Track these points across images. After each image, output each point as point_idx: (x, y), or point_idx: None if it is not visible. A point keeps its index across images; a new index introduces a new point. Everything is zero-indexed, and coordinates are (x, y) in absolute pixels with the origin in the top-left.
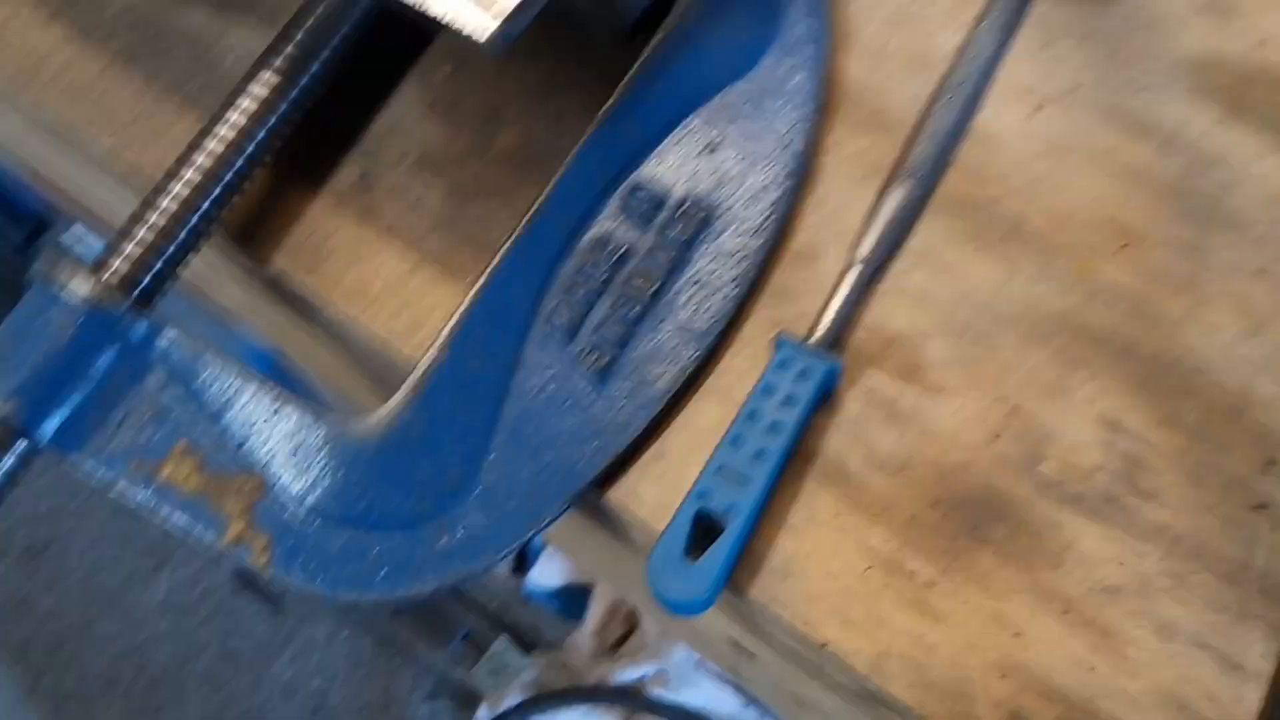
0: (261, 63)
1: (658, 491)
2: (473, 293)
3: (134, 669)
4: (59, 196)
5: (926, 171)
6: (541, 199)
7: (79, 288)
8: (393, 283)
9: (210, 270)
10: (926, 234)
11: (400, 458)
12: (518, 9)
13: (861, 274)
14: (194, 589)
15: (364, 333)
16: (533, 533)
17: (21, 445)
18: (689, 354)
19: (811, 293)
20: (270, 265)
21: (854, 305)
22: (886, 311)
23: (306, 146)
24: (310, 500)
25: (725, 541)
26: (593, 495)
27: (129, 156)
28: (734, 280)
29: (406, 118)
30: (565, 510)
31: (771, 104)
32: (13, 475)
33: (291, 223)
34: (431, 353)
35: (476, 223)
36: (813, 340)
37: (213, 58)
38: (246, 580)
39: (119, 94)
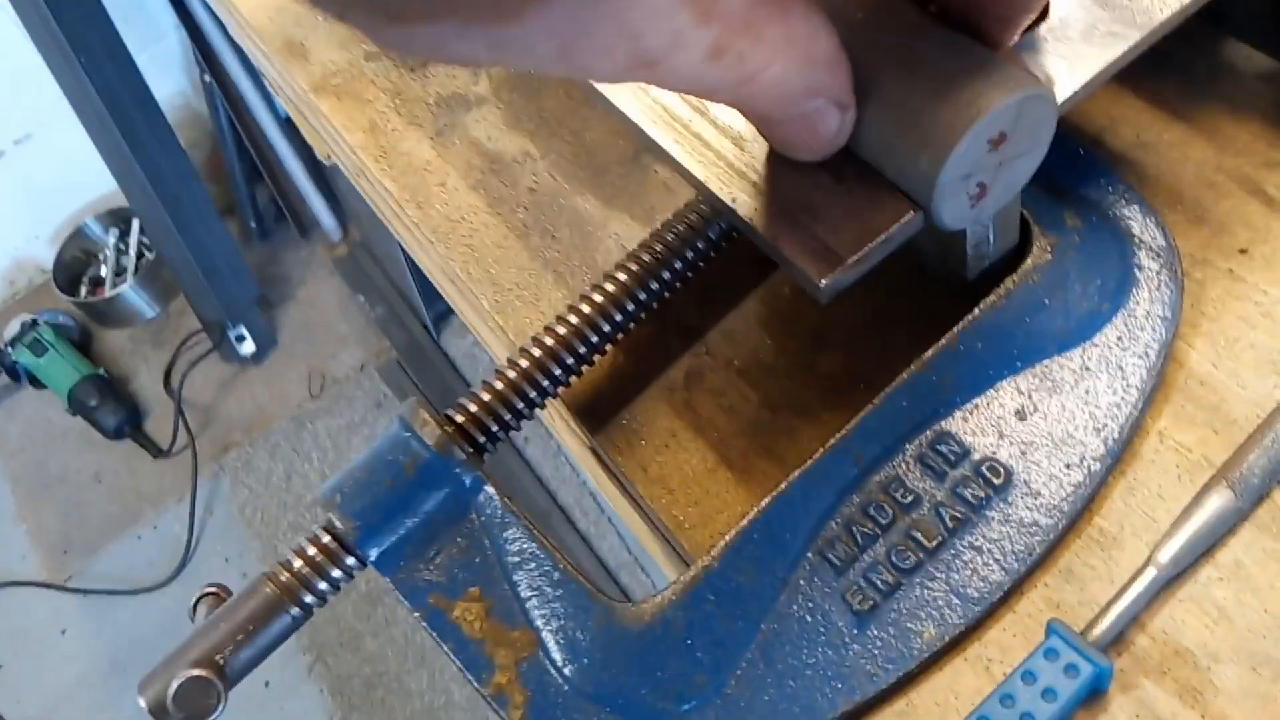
0: (626, 260)
1: None
2: (758, 509)
3: None
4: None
5: (1255, 484)
6: (845, 431)
7: (430, 434)
8: (692, 477)
9: (553, 420)
10: (1241, 548)
11: (655, 651)
12: (850, 266)
13: (1157, 578)
14: None
15: (658, 517)
16: None
17: (351, 562)
18: (956, 618)
19: (1100, 581)
20: (594, 437)
21: (1143, 607)
22: (1178, 622)
23: (649, 335)
24: (569, 670)
25: None
26: None
27: (500, 319)
28: (1019, 553)
29: (742, 327)
30: None
31: (1097, 381)
32: (338, 585)
33: (619, 404)
34: (705, 558)
35: (781, 436)
36: (1090, 634)
37: (593, 242)
38: None
39: (508, 261)
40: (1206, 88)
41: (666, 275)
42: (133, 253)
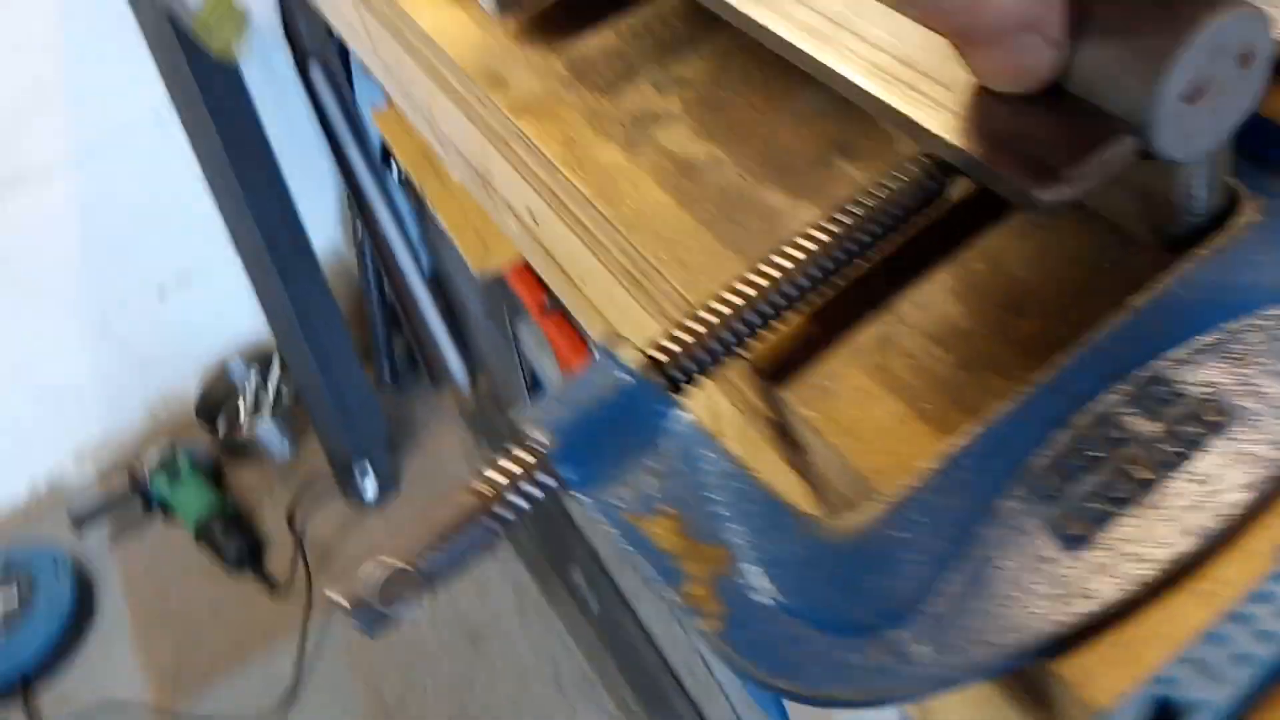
0: (817, 225)
1: (1114, 677)
2: (965, 438)
3: None
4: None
5: None
6: (1049, 374)
7: (631, 360)
8: (887, 429)
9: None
10: None
11: (857, 566)
12: (1069, 181)
13: None
14: None
15: (850, 466)
16: (972, 677)
17: (547, 479)
18: (1178, 547)
19: None
20: (782, 391)
21: None
22: None
23: (838, 306)
24: (767, 585)
25: None
26: (1038, 663)
27: (689, 296)
28: (1245, 485)
29: (934, 297)
30: (1012, 666)
31: None
32: (533, 500)
33: (807, 365)
34: (914, 479)
35: (979, 393)
36: None
37: (779, 229)
38: None
39: (697, 247)
40: None
41: (866, 235)
42: (270, 393)
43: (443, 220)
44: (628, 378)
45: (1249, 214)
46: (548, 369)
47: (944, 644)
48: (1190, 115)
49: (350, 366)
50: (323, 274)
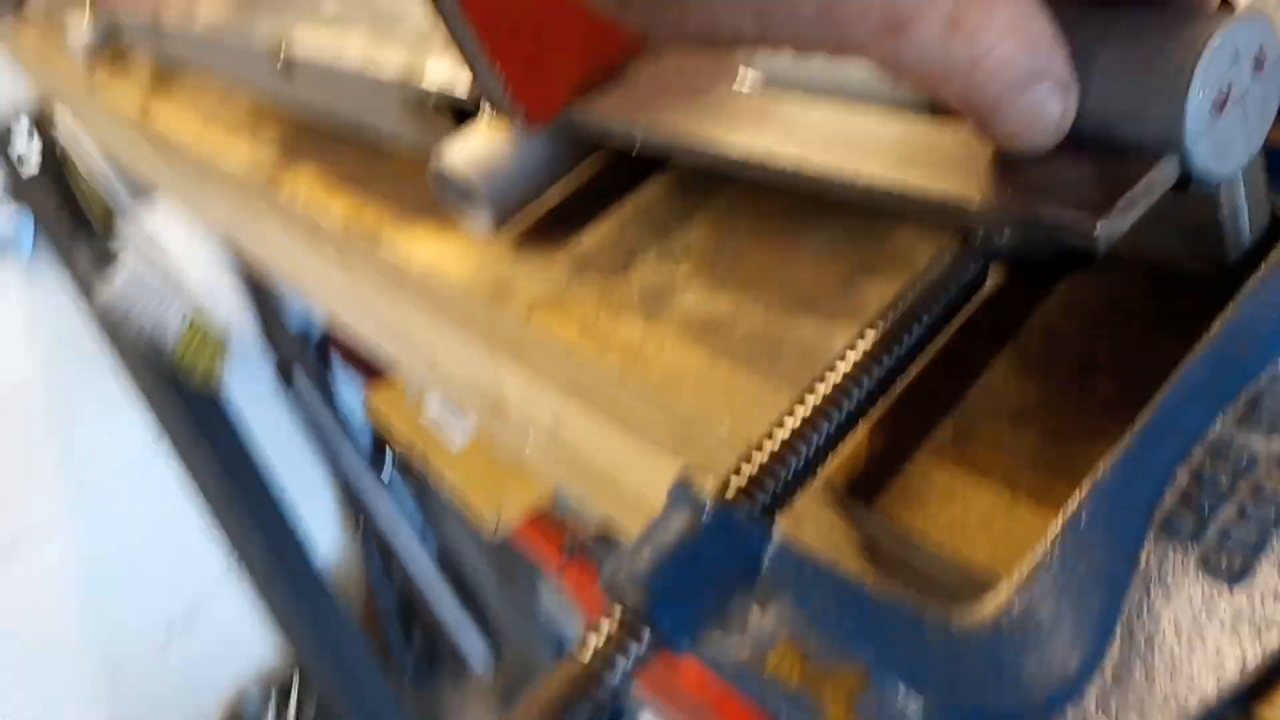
0: (868, 325)
1: None
2: (1078, 498)
3: None
4: None
5: None
6: (1152, 409)
7: (708, 494)
8: (990, 518)
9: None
10: None
11: (1004, 651)
12: (1120, 210)
13: None
14: None
15: (964, 563)
16: None
17: (649, 635)
18: None
19: None
20: (869, 509)
21: None
22: None
23: (901, 413)
24: (912, 694)
25: None
26: (1237, 715)
27: (745, 433)
28: None
29: (998, 382)
30: (1212, 716)
31: None
32: (642, 664)
33: (886, 477)
34: (1039, 550)
35: (1076, 460)
36: None
37: (820, 356)
38: None
39: (738, 390)
40: None
41: (918, 327)
42: (291, 717)
43: (451, 483)
44: (712, 511)
45: None
46: (573, 628)
47: (1123, 712)
48: (1220, 128)
49: (370, 672)
50: (331, 582)
